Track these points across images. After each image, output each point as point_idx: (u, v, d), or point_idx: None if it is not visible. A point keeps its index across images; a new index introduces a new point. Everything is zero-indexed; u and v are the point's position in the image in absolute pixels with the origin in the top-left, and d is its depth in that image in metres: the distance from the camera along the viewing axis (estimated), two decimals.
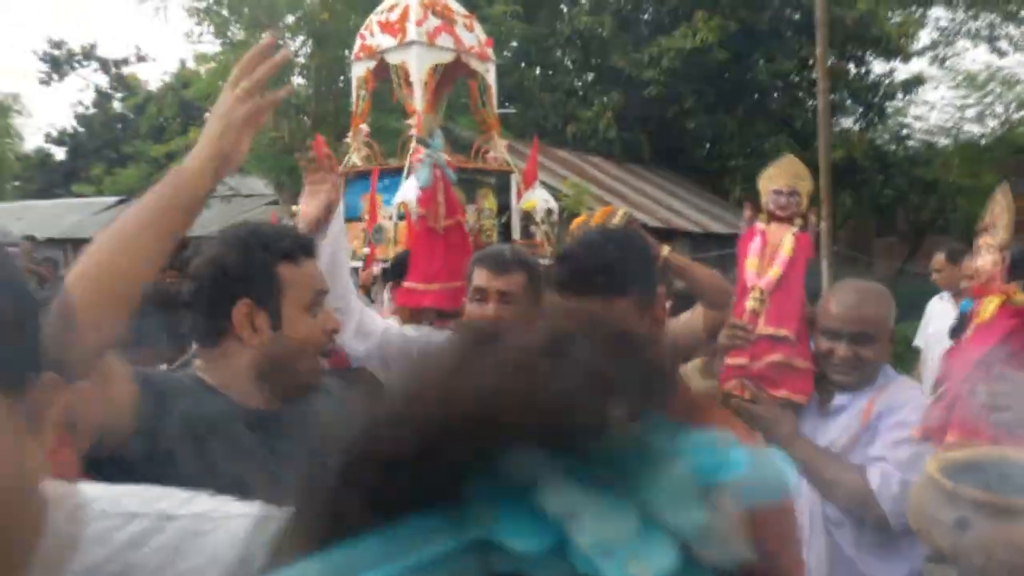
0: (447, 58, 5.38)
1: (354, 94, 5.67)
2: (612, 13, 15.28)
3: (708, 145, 15.33)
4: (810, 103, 14.92)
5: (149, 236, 1.04)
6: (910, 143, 17.04)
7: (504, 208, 5.60)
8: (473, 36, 5.65)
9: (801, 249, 2.03)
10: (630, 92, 14.51)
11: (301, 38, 10.62)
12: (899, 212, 16.32)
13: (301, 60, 10.65)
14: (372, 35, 5.21)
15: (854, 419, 1.86)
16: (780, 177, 2.16)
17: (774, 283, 2.01)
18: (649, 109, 14.86)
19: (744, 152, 14.87)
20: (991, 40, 19.99)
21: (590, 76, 16.32)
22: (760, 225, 2.13)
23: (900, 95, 16.39)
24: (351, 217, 5.49)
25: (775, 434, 1.87)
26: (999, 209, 1.61)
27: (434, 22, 5.14)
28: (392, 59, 5.32)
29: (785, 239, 2.04)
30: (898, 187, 14.72)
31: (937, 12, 19.54)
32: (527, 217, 5.67)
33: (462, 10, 5.39)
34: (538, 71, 16.30)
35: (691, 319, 2.15)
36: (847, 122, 16.19)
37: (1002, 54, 19.73)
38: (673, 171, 15.53)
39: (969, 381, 1.45)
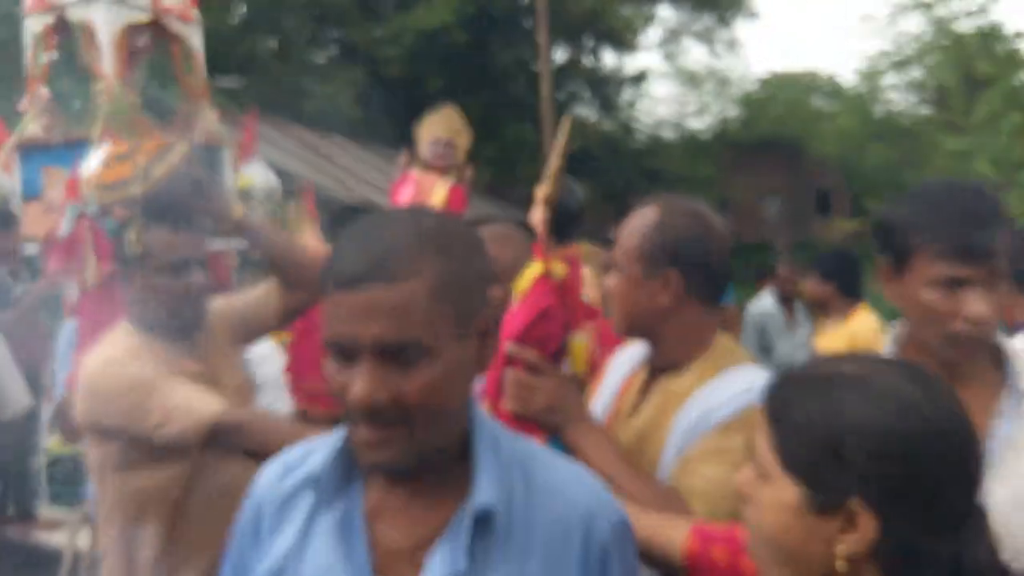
0: (141, 17, 5.16)
1: (30, 53, 5.24)
2: None
3: None
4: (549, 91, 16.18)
5: None
6: (639, 135, 19.18)
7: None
8: None
9: (453, 202, 2.13)
10: (372, 70, 14.66)
11: None
12: (632, 200, 18.29)
13: None
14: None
15: None
16: (439, 127, 2.22)
17: None
18: (392, 89, 15.12)
19: (489, 137, 15.73)
20: (710, 42, 23.17)
21: (329, 51, 16.19)
22: (415, 173, 2.19)
23: (629, 88, 18.35)
24: (30, 195, 5.06)
25: None
26: (553, 154, 1.38)
27: None
28: (73, 15, 5.00)
29: (437, 190, 2.13)
30: (627, 176, 16.49)
31: (663, 11, 22.25)
32: (244, 196, 5.63)
33: None
34: (274, 44, 15.83)
35: (260, 296, 1.85)
36: (584, 112, 17.79)
37: (717, 55, 22.99)
38: None
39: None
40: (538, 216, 1.39)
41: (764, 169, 23.29)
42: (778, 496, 0.85)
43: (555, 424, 1.29)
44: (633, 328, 1.36)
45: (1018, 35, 17.53)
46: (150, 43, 5.46)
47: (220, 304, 1.88)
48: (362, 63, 14.70)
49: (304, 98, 14.59)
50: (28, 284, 4.61)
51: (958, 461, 0.81)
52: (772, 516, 0.86)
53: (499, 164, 15.94)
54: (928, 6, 17.51)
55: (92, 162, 4.48)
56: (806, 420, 0.83)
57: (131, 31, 5.08)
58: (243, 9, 14.49)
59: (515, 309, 1.36)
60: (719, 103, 24.61)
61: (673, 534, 1.11)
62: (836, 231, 13.25)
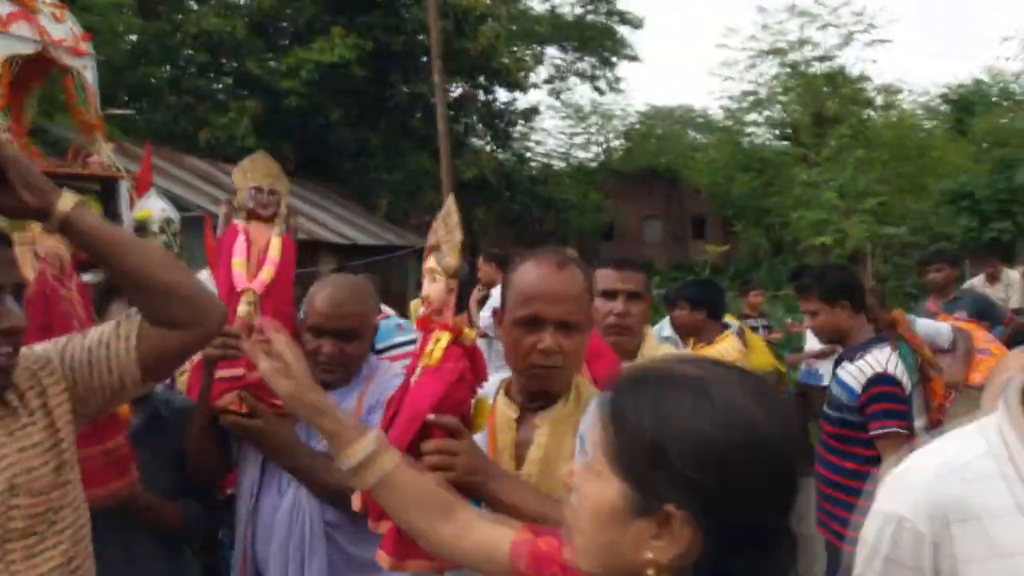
0: (28, 49, 4.81)
1: None
2: (243, 17, 14.87)
3: (354, 159, 15.77)
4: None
5: None
6: (532, 164, 19.54)
7: (113, 216, 5.19)
8: (65, 28, 5.13)
9: (288, 252, 1.94)
10: (269, 101, 14.27)
11: None
12: (527, 225, 18.60)
13: None
14: None
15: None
16: (257, 174, 2.01)
17: (267, 285, 1.85)
18: (291, 120, 14.76)
19: (388, 167, 15.60)
20: (593, 79, 23.95)
21: (225, 80, 15.67)
22: (240, 223, 1.95)
23: (522, 122, 18.68)
24: None
25: (275, 447, 1.78)
26: (447, 228, 1.38)
27: (7, 8, 4.57)
28: None
29: (272, 241, 1.93)
30: (522, 203, 16.74)
31: (551, 51, 22.84)
32: (141, 227, 5.34)
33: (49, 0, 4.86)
34: (166, 71, 15.16)
35: (115, 336, 1.30)
36: (480, 143, 17.96)
37: (601, 92, 23.78)
38: (319, 183, 15.65)
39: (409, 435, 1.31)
40: (437, 288, 1.37)
41: (645, 196, 24.16)
42: (601, 491, 0.81)
43: (477, 484, 1.29)
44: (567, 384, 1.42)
45: (862, 77, 19.11)
46: (38, 75, 5.12)
47: (45, 350, 1.30)
48: (259, 94, 14.28)
49: (199, 127, 14.01)
50: None
51: (776, 480, 0.77)
52: (592, 510, 0.82)
53: (399, 192, 15.80)
54: (782, 52, 18.84)
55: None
56: (636, 418, 0.79)
57: (15, 63, 4.72)
58: (132, 38, 13.82)
59: (426, 379, 1.35)
60: (603, 135, 25.44)
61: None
62: (709, 253, 14.05)
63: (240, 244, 1.90)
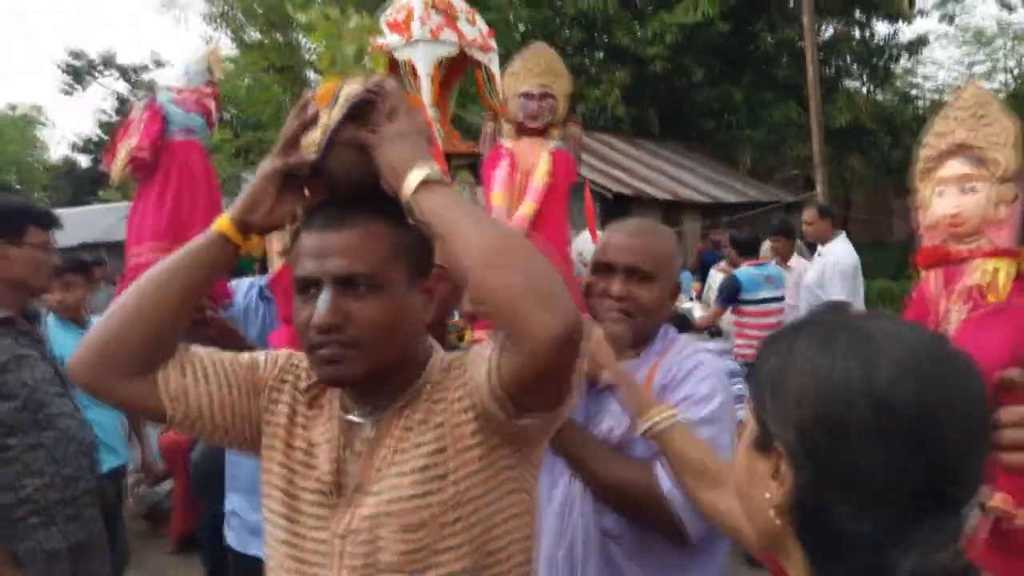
0: (451, 52, 5.84)
1: None
2: None
3: (716, 116, 15.65)
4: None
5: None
6: (918, 104, 17.14)
7: None
8: (475, 29, 6.09)
9: (560, 172, 1.54)
10: (636, 69, 14.82)
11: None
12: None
13: (313, 58, 11.12)
14: (382, 35, 5.68)
15: None
16: (529, 75, 1.57)
17: (528, 220, 1.50)
18: (656, 84, 15.15)
19: (752, 121, 15.16)
20: None
21: (597, 55, 16.65)
22: (506, 143, 1.52)
23: (906, 56, 16.50)
24: None
25: None
26: (987, 120, 0.92)
27: (437, 19, 5.60)
28: (399, 56, 5.81)
29: (540, 161, 1.56)
30: (907, 148, 14.90)
31: None
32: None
33: (464, 6, 5.84)
34: None
35: None
36: (854, 85, 16.36)
37: (1011, 9, 19.67)
38: (682, 144, 15.87)
39: None
40: (973, 200, 1.11)
41: None
42: (745, 433, 0.78)
43: None
44: None
45: None
46: (457, 72, 6.17)
47: (466, 354, 1.09)
48: (627, 63, 14.93)
49: (577, 102, 15.18)
50: None
51: (912, 449, 0.64)
52: (739, 452, 0.80)
53: (763, 148, 15.28)
54: None
55: None
56: (774, 354, 0.74)
57: (442, 64, 5.79)
58: (522, 28, 15.45)
59: (984, 320, 1.13)
60: (1014, 60, 21.12)
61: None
62: None
63: (502, 171, 1.56)
